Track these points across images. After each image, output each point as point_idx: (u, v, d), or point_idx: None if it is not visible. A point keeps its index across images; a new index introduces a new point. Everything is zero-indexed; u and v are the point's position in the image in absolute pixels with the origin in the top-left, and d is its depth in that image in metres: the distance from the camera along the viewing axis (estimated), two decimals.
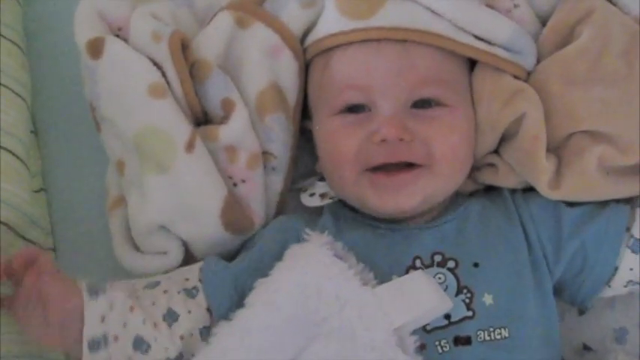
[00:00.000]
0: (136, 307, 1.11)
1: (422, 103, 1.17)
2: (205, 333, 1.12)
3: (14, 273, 1.08)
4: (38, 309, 1.06)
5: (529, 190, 1.21)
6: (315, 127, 1.26)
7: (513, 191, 1.23)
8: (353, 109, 1.18)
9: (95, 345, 1.07)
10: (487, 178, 1.25)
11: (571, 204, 1.19)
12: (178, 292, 1.15)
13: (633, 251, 1.16)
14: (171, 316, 1.13)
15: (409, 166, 1.16)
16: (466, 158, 1.21)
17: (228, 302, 1.13)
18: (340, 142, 1.18)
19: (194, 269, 1.19)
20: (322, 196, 1.28)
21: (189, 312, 1.13)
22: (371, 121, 1.16)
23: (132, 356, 1.09)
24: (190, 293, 1.15)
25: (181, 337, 1.12)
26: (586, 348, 1.26)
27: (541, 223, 1.18)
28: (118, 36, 1.26)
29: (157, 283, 1.16)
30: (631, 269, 1.16)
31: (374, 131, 1.15)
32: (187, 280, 1.17)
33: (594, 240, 1.16)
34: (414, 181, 1.15)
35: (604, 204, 1.19)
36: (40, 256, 1.09)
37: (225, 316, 1.08)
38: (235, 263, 1.18)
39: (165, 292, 1.15)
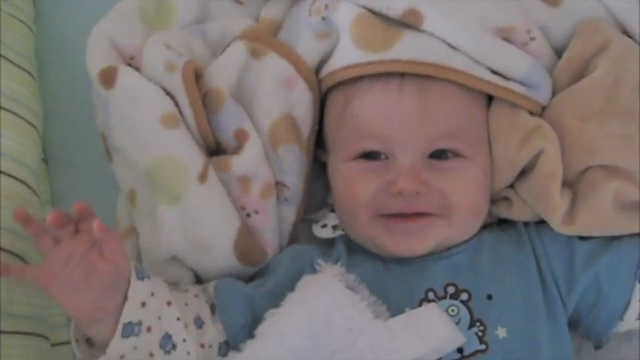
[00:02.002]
0: (173, 303, 1.14)
1: (440, 154, 1.19)
2: (224, 349, 1.16)
3: (64, 223, 1.07)
4: (79, 270, 1.05)
5: (543, 221, 1.23)
6: (329, 163, 1.28)
7: (527, 223, 1.25)
8: (370, 155, 1.21)
9: (129, 330, 1.08)
10: (501, 211, 1.27)
11: (584, 237, 1.21)
12: (206, 302, 1.19)
13: None
14: (198, 322, 1.16)
15: (423, 213, 1.18)
16: (482, 208, 1.23)
17: (240, 321, 1.16)
18: (356, 188, 1.20)
19: (209, 288, 1.22)
20: (334, 227, 1.30)
21: (214, 325, 1.17)
22: (388, 170, 1.18)
23: (154, 353, 1.11)
24: (212, 308, 1.19)
25: (202, 346, 1.15)
26: None
27: (554, 255, 1.20)
28: (130, 65, 1.28)
29: (187, 290, 1.20)
30: None
31: (391, 182, 1.17)
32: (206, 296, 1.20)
33: (607, 272, 1.18)
34: (427, 227, 1.18)
35: (617, 236, 1.21)
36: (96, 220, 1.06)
37: (238, 336, 1.13)
38: (252, 286, 1.21)
39: (196, 296, 1.19)
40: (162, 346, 1.12)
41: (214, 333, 1.17)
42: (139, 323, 1.09)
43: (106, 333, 1.08)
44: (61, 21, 1.47)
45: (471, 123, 1.22)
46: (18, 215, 1.08)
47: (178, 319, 1.13)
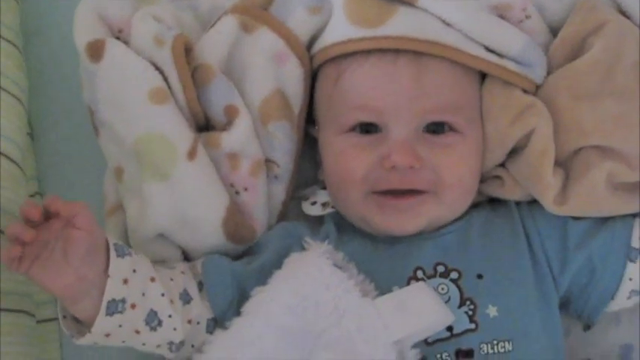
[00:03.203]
0: (157, 279, 1.14)
1: (435, 127, 1.20)
2: (212, 326, 1.17)
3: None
4: (57, 248, 1.05)
5: (534, 201, 1.24)
6: (320, 138, 1.28)
7: (519, 203, 1.26)
8: (363, 127, 1.21)
9: (113, 307, 1.09)
10: (493, 190, 1.27)
11: (576, 217, 1.22)
12: (194, 279, 1.19)
13: (631, 260, 1.19)
14: (185, 297, 1.17)
15: (415, 190, 1.19)
16: (473, 185, 1.24)
17: (228, 298, 1.17)
18: (349, 162, 1.20)
19: (197, 265, 1.22)
20: (324, 204, 1.30)
21: (201, 300, 1.18)
22: (381, 143, 1.19)
23: (140, 330, 1.12)
24: (199, 286, 1.19)
25: (189, 322, 1.16)
26: None
27: (546, 235, 1.21)
28: (118, 38, 1.28)
29: (174, 267, 1.21)
30: (630, 279, 1.19)
31: (384, 156, 1.17)
32: (194, 274, 1.21)
33: (601, 252, 1.19)
34: (419, 206, 1.19)
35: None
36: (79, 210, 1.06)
37: (226, 313, 1.14)
38: (240, 264, 1.21)
39: (183, 272, 1.19)
40: (147, 322, 1.13)
41: (202, 309, 1.18)
42: (123, 300, 1.10)
43: (90, 310, 1.09)
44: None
45: (464, 98, 1.22)
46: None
47: (163, 294, 1.13)
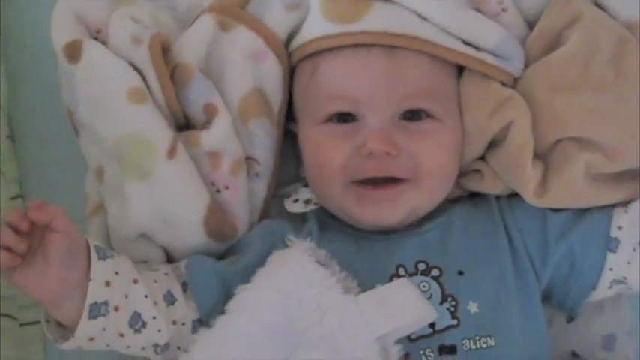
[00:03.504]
0: (140, 280, 1.13)
1: (411, 115, 1.20)
2: (197, 327, 1.16)
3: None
4: (38, 253, 1.04)
5: (514, 195, 1.25)
6: (299, 133, 1.29)
7: (498, 197, 1.27)
8: (340, 117, 1.21)
9: (96, 310, 1.08)
10: (473, 184, 1.28)
11: (555, 209, 1.22)
12: (177, 280, 1.19)
13: (611, 250, 1.20)
14: (169, 299, 1.16)
15: (394, 179, 1.19)
16: (452, 173, 1.24)
17: (214, 299, 1.17)
18: (326, 153, 1.21)
19: (180, 266, 1.22)
20: (306, 202, 1.31)
21: (186, 301, 1.17)
22: (358, 132, 1.19)
23: (124, 333, 1.12)
24: (183, 287, 1.19)
25: (174, 322, 1.15)
26: (574, 355, 1.30)
27: (526, 229, 1.22)
28: (96, 39, 1.28)
29: (157, 269, 1.20)
30: (611, 269, 1.20)
31: (361, 144, 1.18)
32: (178, 275, 1.20)
33: (580, 243, 1.20)
34: (398, 196, 1.19)
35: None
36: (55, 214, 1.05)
37: (212, 314, 1.13)
38: (224, 264, 1.21)
39: (166, 274, 1.19)
40: (131, 324, 1.12)
41: (186, 310, 1.17)
42: (106, 303, 1.09)
43: (73, 314, 1.08)
44: None
45: (440, 86, 1.23)
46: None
47: (146, 296, 1.13)
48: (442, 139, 1.21)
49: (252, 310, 1.05)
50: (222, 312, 1.09)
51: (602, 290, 1.22)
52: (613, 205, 1.22)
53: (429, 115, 1.20)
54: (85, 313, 1.07)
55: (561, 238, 1.20)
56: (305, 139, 1.26)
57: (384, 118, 1.19)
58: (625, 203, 1.22)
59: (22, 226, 1.03)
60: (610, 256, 1.20)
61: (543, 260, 1.20)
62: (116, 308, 1.10)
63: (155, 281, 1.17)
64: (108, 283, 1.10)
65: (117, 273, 1.11)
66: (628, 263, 1.19)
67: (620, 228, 1.20)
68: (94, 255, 1.09)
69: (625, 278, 1.21)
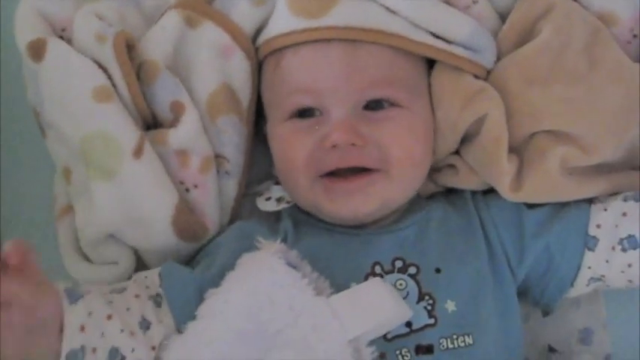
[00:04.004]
0: (114, 315, 1.09)
1: (374, 105, 1.18)
2: None
3: None
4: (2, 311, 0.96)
5: (490, 191, 1.23)
6: (268, 130, 1.27)
7: (474, 193, 1.25)
8: (303, 113, 1.20)
9: (72, 358, 1.04)
10: (447, 180, 1.27)
11: (532, 205, 1.21)
12: (149, 299, 1.15)
13: (589, 249, 1.19)
14: (144, 324, 1.12)
15: (365, 170, 1.17)
16: (423, 160, 1.22)
17: (192, 309, 1.11)
18: (292, 148, 1.19)
19: (152, 276, 1.18)
20: (278, 200, 1.29)
21: (161, 322, 1.13)
22: (322, 125, 1.18)
23: None
24: (156, 301, 1.15)
25: (153, 348, 1.11)
26: (551, 350, 1.29)
27: (502, 225, 1.20)
28: (62, 37, 1.26)
29: (124, 289, 1.15)
30: (589, 267, 1.19)
31: (324, 136, 1.16)
32: (148, 287, 1.17)
33: (558, 241, 1.19)
34: (369, 186, 1.17)
35: (565, 203, 1.21)
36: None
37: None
38: (199, 271, 1.18)
39: (137, 296, 1.14)
40: None
41: (162, 330, 1.12)
42: (82, 348, 1.05)
43: None
44: None
45: (405, 75, 1.21)
46: None
47: (122, 330, 1.09)
48: (408, 126, 1.19)
49: (223, 314, 1.03)
50: (193, 317, 1.06)
51: (580, 288, 1.21)
52: (590, 200, 1.21)
53: (393, 104, 1.19)
54: None
55: (538, 235, 1.19)
56: (272, 136, 1.25)
57: (347, 109, 1.17)
58: (603, 199, 1.21)
59: None
60: (588, 254, 1.19)
61: (519, 257, 1.19)
62: (93, 350, 1.06)
63: (128, 309, 1.12)
64: (82, 328, 1.06)
65: (90, 314, 1.07)
66: (607, 262, 1.18)
67: (598, 226, 1.19)
68: (64, 301, 1.05)
69: (603, 277, 1.20)
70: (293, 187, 1.22)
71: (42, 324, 1.02)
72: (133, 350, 1.09)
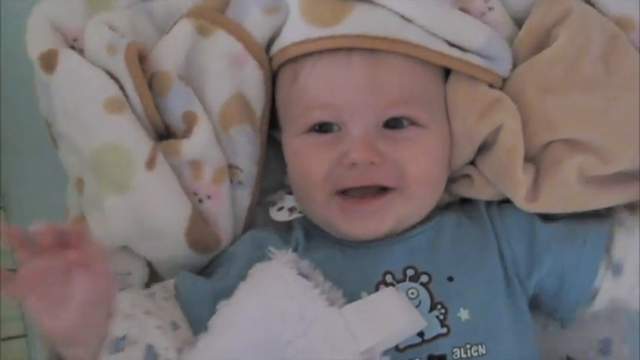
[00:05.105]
0: (152, 311, 1.10)
1: (394, 123, 1.17)
2: None
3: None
4: (57, 287, 0.97)
5: (505, 201, 1.22)
6: (283, 141, 1.26)
7: (489, 204, 1.24)
8: (322, 127, 1.19)
9: (113, 346, 1.04)
10: (462, 190, 1.25)
11: (546, 217, 1.20)
12: (175, 305, 1.15)
13: (614, 273, 1.17)
14: (174, 326, 1.12)
15: (382, 189, 1.16)
16: (440, 179, 1.22)
17: (207, 320, 1.11)
18: (310, 163, 1.18)
19: (168, 286, 1.18)
20: (291, 210, 1.28)
21: (187, 327, 1.13)
22: (340, 141, 1.16)
23: None
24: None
25: (179, 351, 1.09)
26: None
27: (515, 237, 1.19)
28: (73, 47, 1.26)
29: (153, 293, 1.16)
30: (607, 289, 1.17)
31: (344, 153, 1.15)
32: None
33: (571, 263, 1.17)
34: (385, 207, 1.16)
35: (581, 220, 1.20)
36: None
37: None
38: (214, 281, 1.18)
39: (166, 299, 1.15)
40: (146, 358, 1.07)
41: (188, 336, 1.12)
42: (124, 338, 1.05)
43: (85, 355, 1.03)
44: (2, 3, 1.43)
45: (425, 91, 1.20)
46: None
47: (159, 327, 1.08)
48: (427, 147, 1.18)
49: (234, 326, 1.03)
50: (205, 329, 1.06)
51: (597, 307, 1.20)
52: (609, 216, 1.20)
53: (412, 123, 1.18)
54: (105, 349, 1.03)
55: (549, 249, 1.18)
56: (288, 148, 1.24)
57: (367, 126, 1.16)
58: (623, 218, 1.20)
59: (47, 240, 0.96)
60: (613, 278, 1.17)
61: (528, 271, 1.18)
62: (134, 342, 1.06)
63: (161, 310, 1.12)
64: (127, 317, 1.06)
65: (133, 305, 1.08)
66: (625, 285, 1.17)
67: (618, 248, 1.17)
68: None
69: (620, 300, 1.19)
70: (308, 201, 1.21)
71: (99, 300, 1.01)
72: (166, 349, 1.08)
